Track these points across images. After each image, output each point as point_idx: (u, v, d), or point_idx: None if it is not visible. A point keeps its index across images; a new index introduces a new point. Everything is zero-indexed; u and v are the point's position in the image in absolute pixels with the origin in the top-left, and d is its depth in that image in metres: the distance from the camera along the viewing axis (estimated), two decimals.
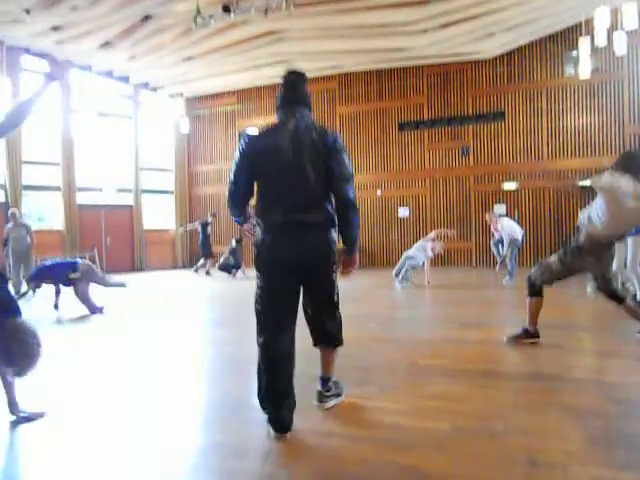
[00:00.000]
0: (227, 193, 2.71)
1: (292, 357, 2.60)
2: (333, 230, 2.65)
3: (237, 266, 12.57)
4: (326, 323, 2.75)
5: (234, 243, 12.52)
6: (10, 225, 9.07)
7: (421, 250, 9.08)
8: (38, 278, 7.04)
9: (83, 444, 2.50)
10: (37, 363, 2.68)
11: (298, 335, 2.64)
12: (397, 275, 9.07)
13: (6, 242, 9.02)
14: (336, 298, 2.77)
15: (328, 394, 2.87)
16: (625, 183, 3.86)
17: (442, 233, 9.26)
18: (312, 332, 2.80)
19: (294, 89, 2.76)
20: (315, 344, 2.83)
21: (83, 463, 2.29)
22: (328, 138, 2.61)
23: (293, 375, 2.59)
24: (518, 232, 9.77)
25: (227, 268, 12.53)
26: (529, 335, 4.44)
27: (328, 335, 2.78)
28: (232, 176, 2.67)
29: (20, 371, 2.65)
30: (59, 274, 6.81)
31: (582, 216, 4.18)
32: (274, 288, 2.59)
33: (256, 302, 2.63)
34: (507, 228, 9.81)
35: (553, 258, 4.36)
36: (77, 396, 3.29)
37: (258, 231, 2.64)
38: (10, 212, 9.35)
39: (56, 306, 7.08)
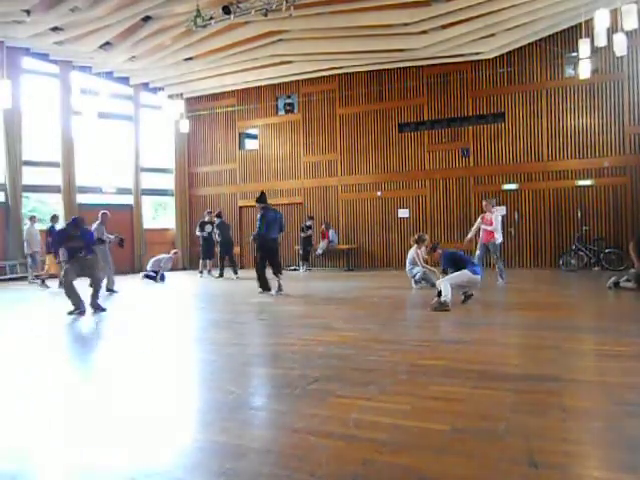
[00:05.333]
0: (259, 230, 8.75)
1: (264, 268, 8.95)
2: (277, 239, 9.22)
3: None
4: (277, 267, 8.99)
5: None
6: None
7: (413, 261, 9.36)
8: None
9: (82, 443, 2.50)
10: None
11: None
12: (416, 283, 9.34)
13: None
14: (279, 260, 9.20)
15: (281, 292, 8.70)
16: None
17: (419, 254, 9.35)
18: (272, 269, 8.91)
19: (265, 198, 9.15)
20: (274, 274, 8.89)
21: (82, 463, 2.29)
22: (280, 214, 9.19)
23: (265, 269, 8.93)
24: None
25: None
26: None
27: (278, 268, 8.98)
28: (259, 224, 8.75)
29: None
30: None
31: None
32: (263, 254, 8.93)
33: (259, 258, 8.97)
34: (499, 223, 9.66)
35: None
36: (76, 395, 3.29)
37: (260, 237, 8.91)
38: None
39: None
